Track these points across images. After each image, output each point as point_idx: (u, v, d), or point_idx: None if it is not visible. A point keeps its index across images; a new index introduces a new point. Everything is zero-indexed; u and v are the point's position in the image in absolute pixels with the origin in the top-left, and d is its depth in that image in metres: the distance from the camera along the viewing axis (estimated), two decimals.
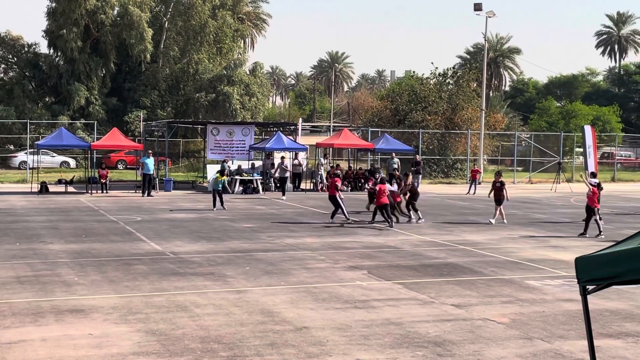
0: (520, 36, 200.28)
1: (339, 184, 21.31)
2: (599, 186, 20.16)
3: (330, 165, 37.18)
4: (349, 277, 13.20)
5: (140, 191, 29.60)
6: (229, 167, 31.29)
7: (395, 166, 33.35)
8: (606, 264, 4.78)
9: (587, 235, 18.99)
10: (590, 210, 19.40)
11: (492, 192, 21.91)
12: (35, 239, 17.08)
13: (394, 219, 20.67)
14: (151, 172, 29.61)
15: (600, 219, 19.57)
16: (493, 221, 21.44)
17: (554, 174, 38.66)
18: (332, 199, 21.15)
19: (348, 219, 21.09)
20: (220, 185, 24.87)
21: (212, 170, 33.01)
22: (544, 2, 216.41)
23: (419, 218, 21.56)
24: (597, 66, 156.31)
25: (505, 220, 21.57)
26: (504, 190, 21.52)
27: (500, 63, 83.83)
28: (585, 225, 19.32)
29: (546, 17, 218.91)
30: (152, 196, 28.87)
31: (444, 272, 13.87)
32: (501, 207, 21.49)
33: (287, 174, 31.66)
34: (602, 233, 19.16)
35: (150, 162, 29.64)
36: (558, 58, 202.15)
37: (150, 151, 31.14)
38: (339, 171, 28.34)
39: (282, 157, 32.10)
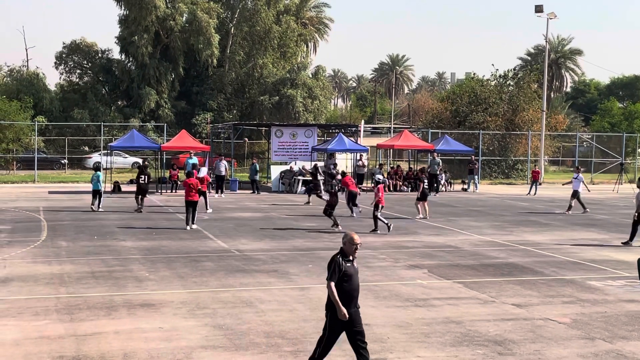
0: (581, 37, 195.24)
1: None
2: (378, 183, 20.65)
3: (391, 166, 37.26)
4: (410, 276, 13.36)
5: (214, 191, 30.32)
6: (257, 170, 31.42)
7: (437, 166, 33.22)
8: None
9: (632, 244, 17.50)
10: (375, 207, 19.27)
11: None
12: (109, 236, 17.80)
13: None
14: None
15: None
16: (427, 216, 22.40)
17: (616, 174, 37.71)
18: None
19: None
20: (100, 185, 23.81)
21: (276, 171, 33.59)
22: (605, 3, 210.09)
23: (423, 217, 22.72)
24: None
25: (423, 215, 22.51)
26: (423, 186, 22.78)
27: (562, 64, 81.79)
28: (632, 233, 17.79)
29: (608, 18, 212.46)
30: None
31: (504, 272, 13.87)
32: (425, 202, 22.66)
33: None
34: (378, 230, 19.03)
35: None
36: (620, 59, 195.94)
37: (192, 152, 32.05)
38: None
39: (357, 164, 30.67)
